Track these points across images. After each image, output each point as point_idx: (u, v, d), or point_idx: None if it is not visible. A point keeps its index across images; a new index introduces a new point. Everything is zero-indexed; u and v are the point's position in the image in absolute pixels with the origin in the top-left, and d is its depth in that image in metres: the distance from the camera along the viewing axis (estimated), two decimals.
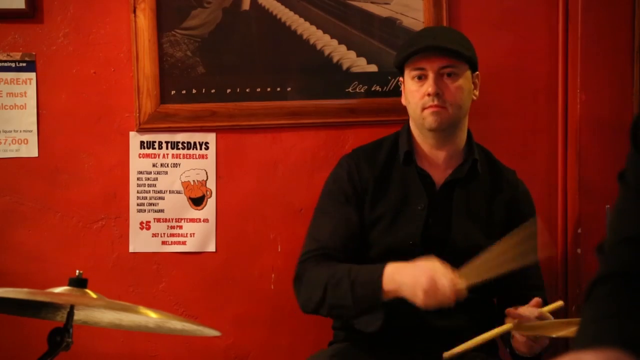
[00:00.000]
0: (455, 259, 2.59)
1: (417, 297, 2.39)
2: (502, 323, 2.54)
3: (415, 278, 2.40)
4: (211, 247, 3.18)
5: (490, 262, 2.44)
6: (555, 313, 2.55)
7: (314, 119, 3.18)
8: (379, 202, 2.74)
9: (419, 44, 2.70)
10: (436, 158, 2.77)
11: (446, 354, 2.49)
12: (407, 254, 2.61)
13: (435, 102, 2.66)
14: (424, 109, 2.69)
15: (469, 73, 2.73)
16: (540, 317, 2.48)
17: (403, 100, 2.81)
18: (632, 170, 1.43)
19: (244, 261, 3.18)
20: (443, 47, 2.68)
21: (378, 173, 2.76)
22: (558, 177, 3.19)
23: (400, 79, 2.82)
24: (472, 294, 2.53)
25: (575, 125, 3.15)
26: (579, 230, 3.14)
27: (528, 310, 2.50)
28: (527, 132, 3.21)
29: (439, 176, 2.76)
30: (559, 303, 2.57)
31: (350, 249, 2.69)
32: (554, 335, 2.40)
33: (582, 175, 3.15)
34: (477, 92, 2.79)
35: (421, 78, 2.70)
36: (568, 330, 2.34)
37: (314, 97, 3.17)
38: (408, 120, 2.82)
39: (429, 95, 2.67)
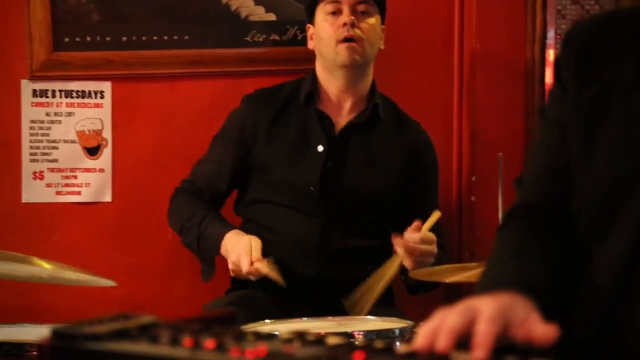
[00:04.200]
0: (352, 205, 2.65)
1: (230, 267, 2.63)
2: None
3: (232, 253, 2.60)
4: (107, 197, 3.15)
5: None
6: (451, 257, 2.59)
7: (212, 68, 3.16)
8: (276, 140, 2.77)
9: None
10: (341, 102, 2.80)
11: (347, 302, 2.52)
12: (306, 198, 2.70)
13: (351, 33, 2.68)
14: (338, 42, 2.70)
15: (379, 18, 2.78)
16: (424, 240, 2.49)
17: (310, 45, 2.82)
18: (554, 106, 1.46)
19: (141, 211, 3.16)
20: None
21: (276, 111, 2.79)
22: (453, 126, 3.23)
23: (308, 25, 2.83)
24: (370, 241, 2.59)
25: (470, 74, 3.20)
26: (473, 179, 3.20)
27: (411, 235, 2.50)
28: (425, 82, 3.25)
29: (341, 121, 2.78)
30: (436, 215, 2.58)
31: (218, 190, 2.87)
32: (447, 281, 2.45)
33: (476, 124, 3.20)
34: (382, 43, 2.83)
35: (335, 13, 2.72)
36: (462, 276, 2.39)
37: (212, 46, 3.15)
38: (312, 69, 2.83)
39: (344, 25, 2.68)
